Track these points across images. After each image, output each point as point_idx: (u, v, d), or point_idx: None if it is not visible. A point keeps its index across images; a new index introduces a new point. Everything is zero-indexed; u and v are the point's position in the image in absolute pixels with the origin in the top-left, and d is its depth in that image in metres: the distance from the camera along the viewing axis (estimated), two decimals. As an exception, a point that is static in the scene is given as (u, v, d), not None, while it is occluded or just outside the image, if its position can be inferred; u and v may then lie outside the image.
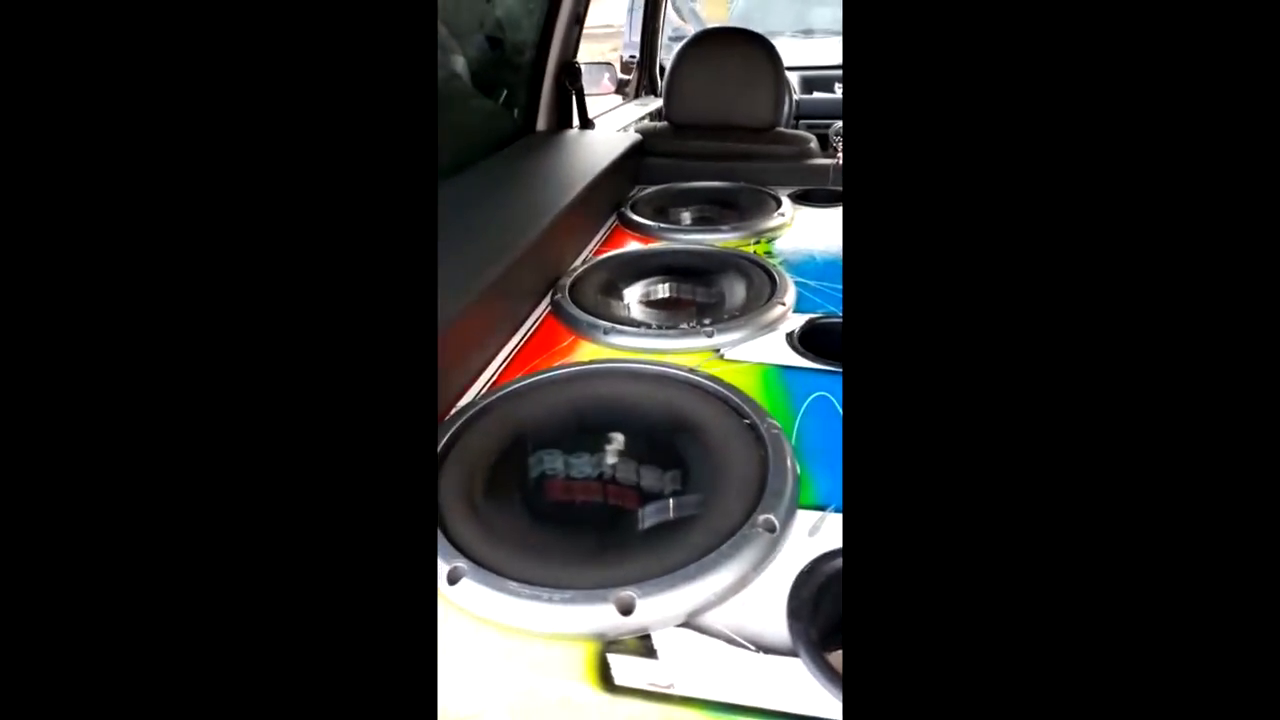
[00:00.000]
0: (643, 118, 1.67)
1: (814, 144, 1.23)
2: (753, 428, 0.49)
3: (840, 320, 0.68)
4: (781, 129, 1.25)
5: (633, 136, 1.21)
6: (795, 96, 2.10)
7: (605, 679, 0.33)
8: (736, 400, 0.52)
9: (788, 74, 2.13)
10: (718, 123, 1.23)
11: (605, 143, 1.16)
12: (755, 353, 0.62)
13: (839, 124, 1.19)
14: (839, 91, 2.13)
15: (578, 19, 1.23)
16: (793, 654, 0.34)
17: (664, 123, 1.32)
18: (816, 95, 2.17)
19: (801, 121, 2.01)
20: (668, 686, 0.33)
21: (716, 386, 0.54)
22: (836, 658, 0.38)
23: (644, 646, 0.35)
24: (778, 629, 0.35)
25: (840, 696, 0.32)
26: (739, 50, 1.22)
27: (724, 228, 0.94)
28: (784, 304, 0.69)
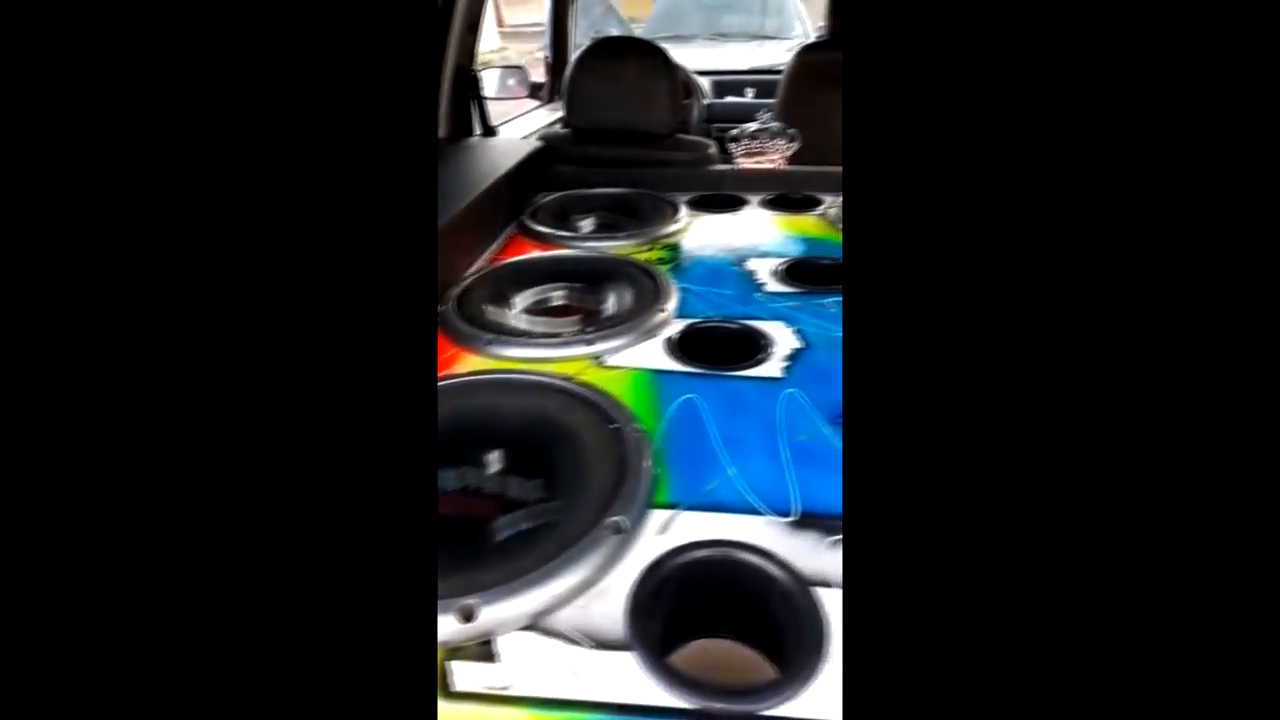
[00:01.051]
0: (553, 123, 1.67)
1: (713, 149, 1.27)
2: (616, 432, 0.51)
3: (717, 323, 0.71)
4: (681, 136, 1.29)
5: (533, 144, 1.21)
6: (707, 100, 2.15)
7: (444, 685, 0.34)
8: (605, 406, 0.54)
9: (701, 79, 2.18)
10: (619, 128, 1.25)
11: (504, 151, 1.16)
12: (634, 359, 0.64)
13: (746, 126, 1.23)
14: (749, 95, 2.20)
15: (471, 26, 1.22)
16: (628, 649, 0.36)
17: (564, 129, 1.33)
18: (729, 99, 2.23)
19: (714, 125, 2.06)
20: (504, 688, 0.34)
21: (587, 393, 0.55)
22: (680, 652, 0.41)
23: (485, 651, 0.36)
24: (618, 626, 0.37)
25: (668, 685, 0.34)
26: (633, 59, 1.24)
27: (620, 235, 0.96)
28: (665, 310, 0.72)
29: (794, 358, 0.64)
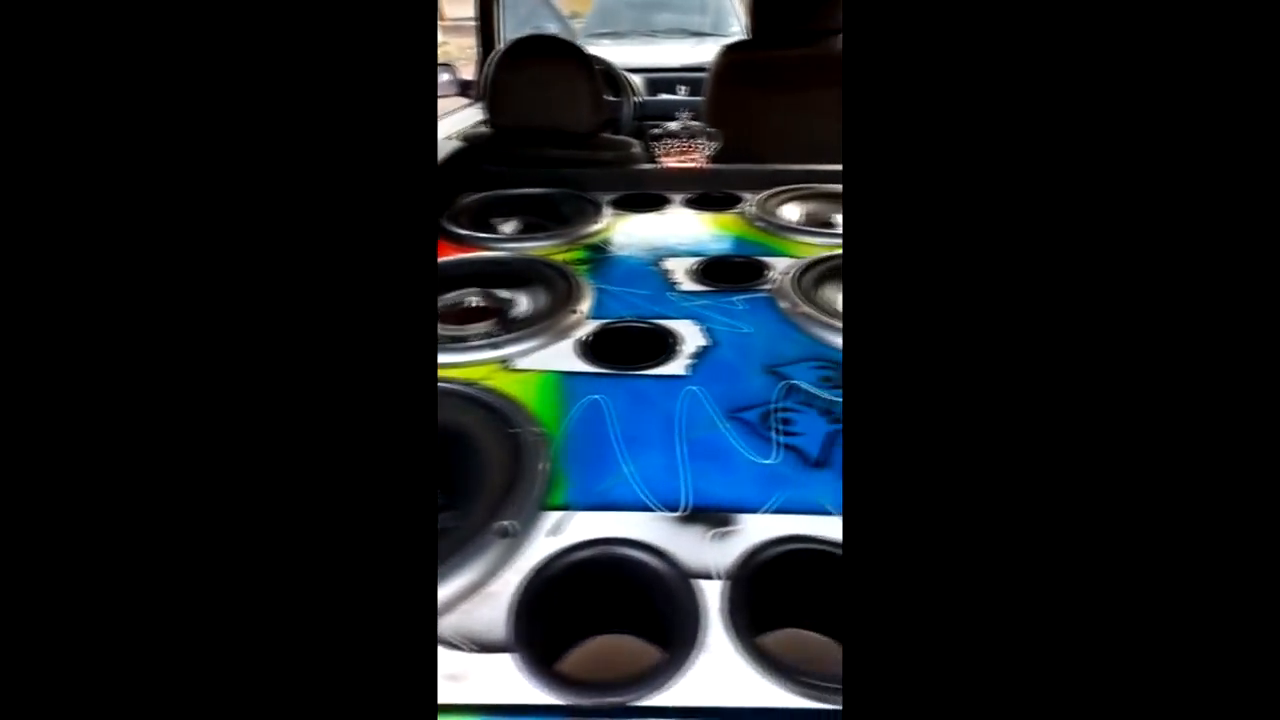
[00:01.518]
0: (479, 123, 1.65)
1: (637, 149, 1.28)
2: (514, 436, 0.51)
3: (629, 323, 0.72)
4: (606, 135, 1.29)
5: (453, 145, 1.20)
6: (640, 98, 2.16)
7: (321, 699, 0.34)
8: (506, 410, 0.54)
9: (634, 76, 2.19)
10: (541, 128, 1.25)
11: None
12: (543, 361, 0.65)
13: (668, 125, 1.24)
14: (682, 93, 2.21)
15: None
16: (510, 650, 0.37)
17: (487, 129, 1.32)
18: (662, 97, 2.24)
19: (647, 122, 2.07)
20: (382, 697, 0.34)
21: (488, 398, 0.56)
22: (575, 650, 0.42)
23: (364, 662, 0.36)
24: (501, 628, 0.38)
25: (545, 685, 0.35)
26: (554, 58, 1.24)
27: (540, 236, 0.96)
28: (578, 311, 0.72)
29: (699, 355, 0.65)
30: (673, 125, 1.18)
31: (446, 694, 0.35)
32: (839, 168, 1.21)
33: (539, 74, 1.23)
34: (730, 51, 1.49)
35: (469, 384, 0.58)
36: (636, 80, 2.21)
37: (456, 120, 1.69)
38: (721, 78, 1.44)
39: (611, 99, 2.03)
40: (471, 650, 0.37)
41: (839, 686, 0.34)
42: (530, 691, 0.35)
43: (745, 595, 0.39)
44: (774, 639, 0.42)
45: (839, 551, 0.42)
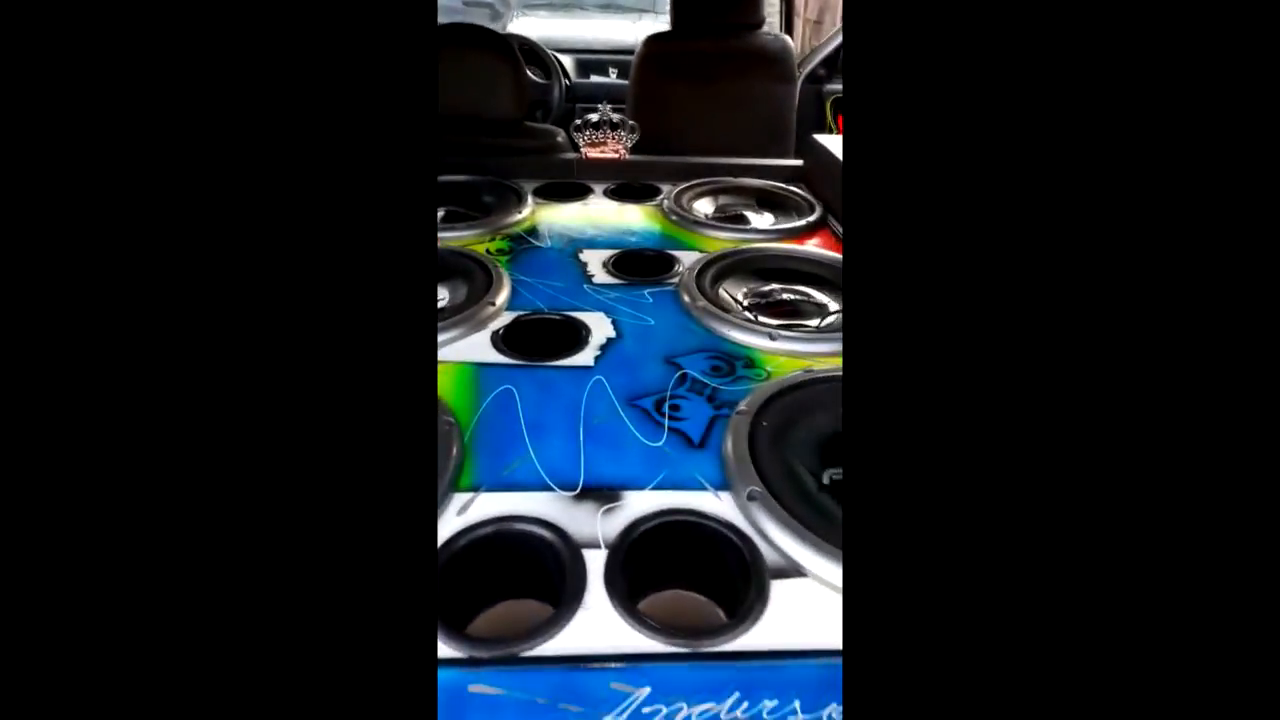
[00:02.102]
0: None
1: (561, 138, 1.31)
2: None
3: (543, 314, 0.77)
4: (530, 124, 1.32)
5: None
6: (569, 81, 2.17)
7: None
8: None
9: (560, 56, 2.19)
10: (466, 115, 1.27)
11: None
12: (459, 353, 0.69)
13: (589, 117, 1.27)
14: (612, 75, 2.24)
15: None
16: (418, 613, 0.42)
17: None
18: (594, 79, 2.26)
19: (578, 105, 2.09)
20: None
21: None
22: (484, 615, 0.47)
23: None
24: (412, 595, 0.44)
25: (456, 645, 0.41)
26: (477, 48, 1.25)
27: (461, 226, 1.00)
28: (494, 304, 0.77)
29: (605, 347, 0.71)
30: (593, 116, 1.22)
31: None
32: (753, 161, 1.28)
33: (462, 62, 1.24)
34: (652, 42, 1.53)
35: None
36: (567, 61, 2.22)
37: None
38: (643, 68, 1.48)
39: (540, 81, 2.03)
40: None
41: (693, 636, 0.42)
42: (442, 649, 0.41)
43: (623, 561, 0.46)
44: (658, 599, 0.49)
45: (710, 523, 0.49)
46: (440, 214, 1.09)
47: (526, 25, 2.70)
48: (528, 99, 1.34)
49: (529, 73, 1.74)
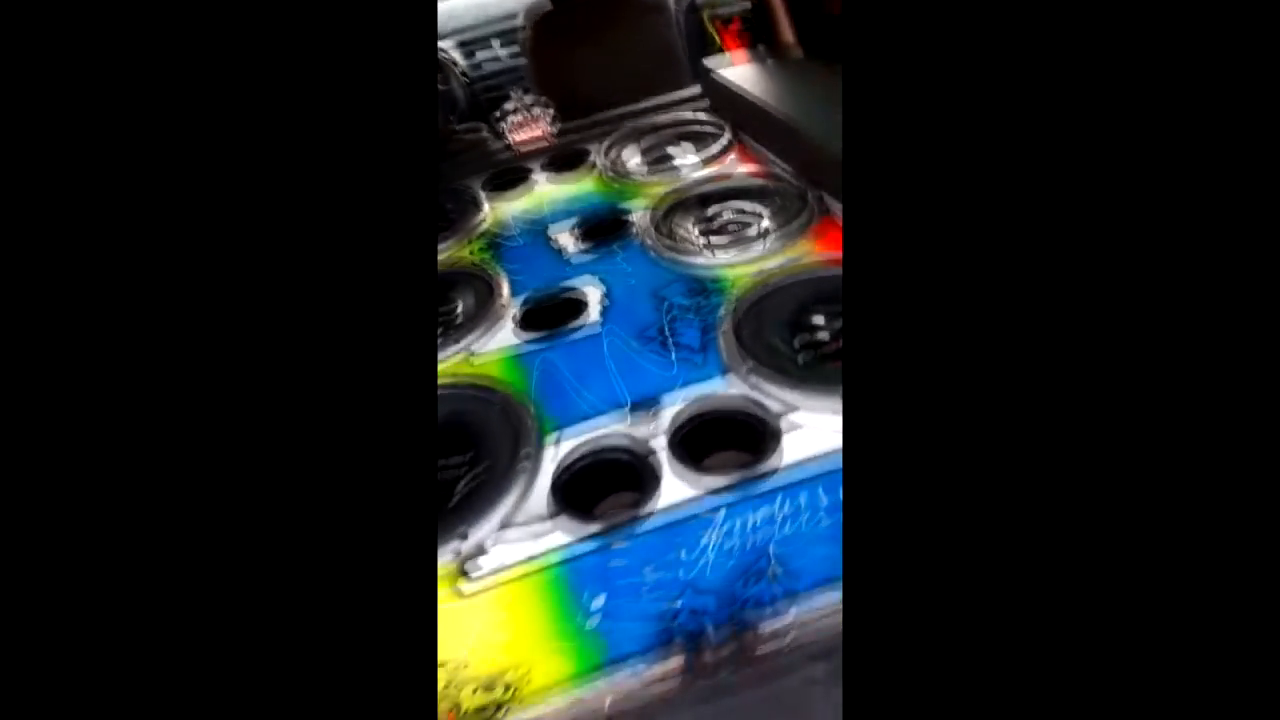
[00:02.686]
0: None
1: (485, 132, 1.43)
2: (500, 401, 0.74)
3: (544, 294, 0.94)
4: (455, 128, 1.44)
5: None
6: (462, 69, 2.22)
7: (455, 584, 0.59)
8: (488, 386, 0.77)
9: (444, 46, 2.22)
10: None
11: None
12: (495, 343, 0.87)
13: (505, 106, 1.38)
14: (497, 48, 2.27)
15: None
16: (554, 515, 0.62)
17: None
18: (479, 58, 2.30)
19: (482, 90, 2.14)
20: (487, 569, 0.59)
21: (473, 389, 0.78)
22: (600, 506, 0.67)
23: (476, 551, 0.61)
24: (544, 505, 0.63)
25: (579, 521, 0.61)
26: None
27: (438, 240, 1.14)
28: (502, 299, 0.94)
29: (604, 306, 0.89)
30: (509, 105, 1.35)
31: (521, 553, 0.60)
32: (658, 100, 1.42)
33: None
34: (536, 22, 1.62)
35: (454, 378, 0.79)
36: (453, 53, 2.25)
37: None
38: (536, 45, 1.58)
39: (440, 87, 2.09)
40: (535, 528, 0.62)
41: (742, 470, 0.62)
42: (573, 529, 0.61)
43: (683, 446, 0.66)
44: (712, 459, 0.69)
45: (732, 402, 0.69)
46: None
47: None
48: (444, 111, 1.44)
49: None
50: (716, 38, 2.00)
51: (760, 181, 1.05)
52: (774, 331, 0.75)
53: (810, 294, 0.79)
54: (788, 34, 1.33)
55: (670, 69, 1.67)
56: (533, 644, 0.62)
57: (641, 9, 1.66)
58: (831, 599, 0.67)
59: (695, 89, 1.43)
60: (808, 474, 0.62)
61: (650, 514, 0.61)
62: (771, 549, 0.65)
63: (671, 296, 0.87)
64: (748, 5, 1.45)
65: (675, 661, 0.64)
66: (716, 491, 0.62)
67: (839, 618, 0.64)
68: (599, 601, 0.62)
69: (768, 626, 0.66)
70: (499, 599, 0.60)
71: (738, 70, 1.29)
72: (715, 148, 1.21)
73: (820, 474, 0.62)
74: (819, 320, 0.76)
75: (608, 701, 0.64)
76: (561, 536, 0.61)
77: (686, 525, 0.61)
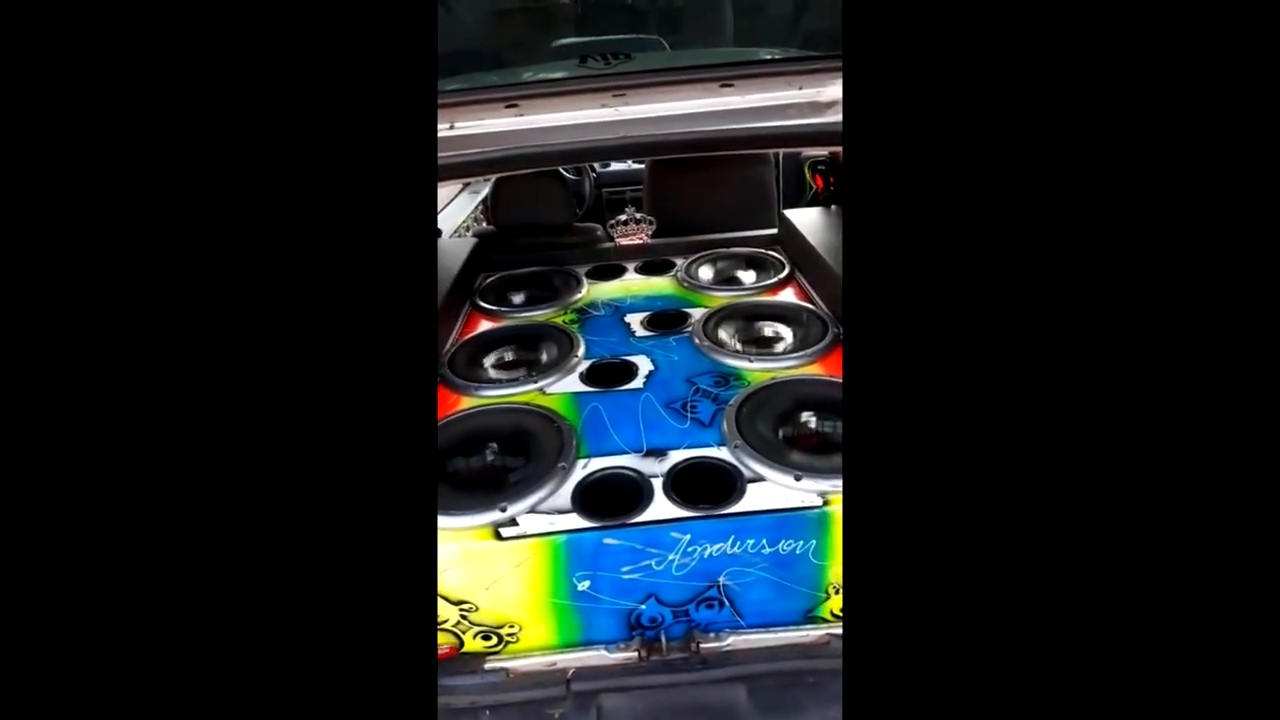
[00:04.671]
0: (470, 215, 2.17)
1: (600, 231, 1.79)
2: (557, 427, 1.01)
3: (608, 359, 1.21)
4: (577, 224, 1.81)
5: (472, 240, 1.70)
6: (596, 173, 2.67)
7: (498, 535, 0.83)
8: (549, 415, 1.04)
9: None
10: (531, 224, 1.76)
11: (453, 249, 1.64)
12: (562, 387, 1.14)
13: (619, 216, 1.73)
14: (629, 162, 2.72)
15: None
16: (573, 511, 0.86)
17: (492, 228, 1.83)
18: (613, 167, 2.75)
19: (604, 190, 2.58)
20: (522, 533, 0.84)
21: (539, 410, 1.05)
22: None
23: (511, 521, 0.85)
24: (567, 504, 0.87)
25: (597, 521, 0.84)
26: (537, 174, 1.75)
27: (542, 305, 1.46)
28: (577, 355, 1.22)
29: (649, 376, 1.15)
30: (623, 216, 1.70)
31: (551, 526, 0.84)
32: (741, 234, 1.73)
33: (525, 185, 1.74)
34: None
35: (526, 403, 1.07)
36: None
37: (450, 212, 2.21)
38: (654, 169, 1.97)
39: (573, 178, 2.54)
40: (557, 513, 0.86)
41: (710, 508, 0.84)
42: (584, 522, 0.84)
43: (674, 484, 0.89)
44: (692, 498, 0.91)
45: (715, 460, 0.92)
46: (523, 298, 1.56)
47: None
48: (573, 206, 1.82)
49: (564, 172, 2.24)
50: (810, 181, 2.33)
51: (796, 307, 1.31)
52: (764, 420, 0.98)
53: (800, 397, 1.02)
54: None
55: (762, 209, 1.99)
56: (530, 609, 0.85)
57: (753, 159, 2.02)
58: (764, 637, 0.86)
59: (773, 230, 1.73)
60: (758, 524, 0.83)
61: (639, 522, 0.84)
62: (723, 580, 0.86)
63: (700, 382, 1.12)
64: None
65: (632, 652, 0.85)
66: (687, 519, 0.84)
67: (770, 651, 0.83)
68: (585, 585, 0.85)
69: (710, 645, 0.86)
70: (517, 552, 0.84)
71: (802, 215, 1.58)
72: (773, 278, 1.49)
73: (767, 527, 0.83)
74: (801, 418, 0.99)
75: (570, 671, 0.85)
76: (572, 522, 0.85)
77: (661, 541, 0.84)
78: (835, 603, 0.90)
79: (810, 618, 0.91)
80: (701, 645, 0.87)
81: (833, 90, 0.85)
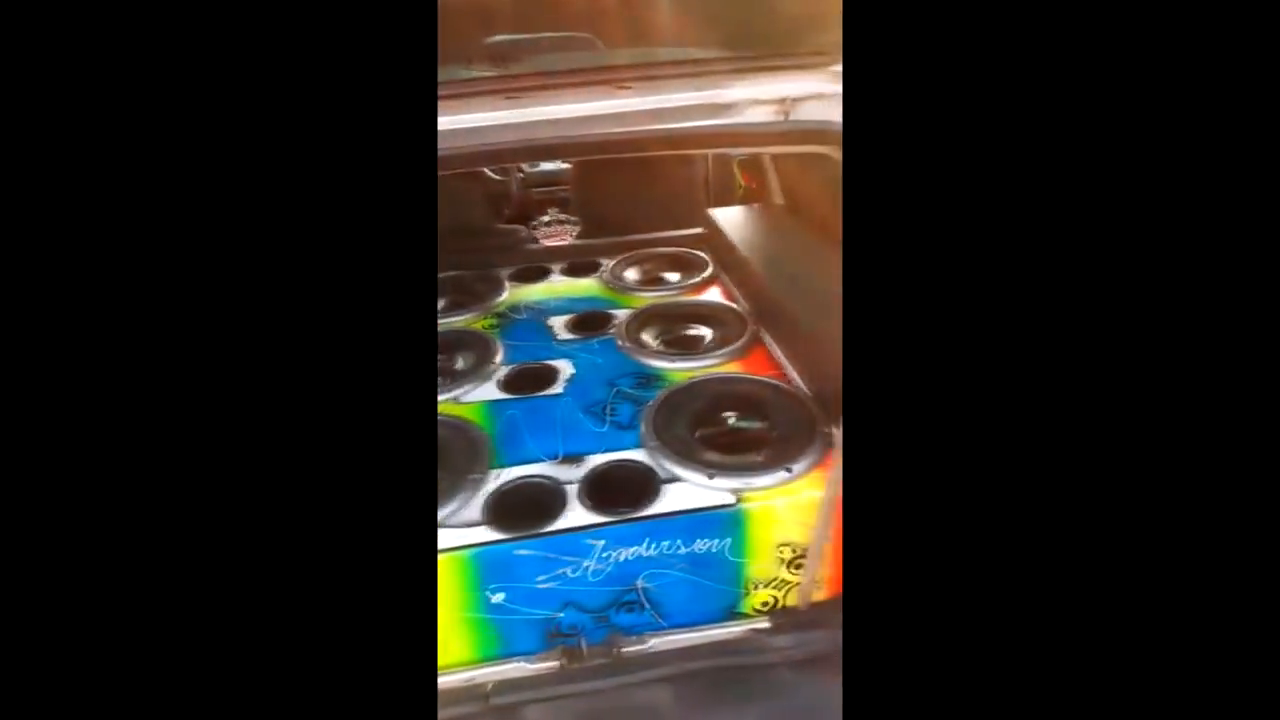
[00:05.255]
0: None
1: (523, 233, 1.76)
2: (469, 437, 0.97)
3: (527, 365, 1.19)
4: (500, 225, 1.77)
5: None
6: (523, 173, 2.63)
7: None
8: (463, 425, 1.01)
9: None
10: (452, 226, 1.71)
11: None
12: (479, 395, 1.11)
13: (542, 218, 1.70)
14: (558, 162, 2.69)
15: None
16: (483, 524, 0.83)
17: None
18: (543, 167, 2.71)
19: (533, 189, 2.54)
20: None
21: (453, 419, 1.02)
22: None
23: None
24: (478, 515, 0.85)
25: (508, 533, 0.82)
26: (459, 175, 1.71)
27: (462, 311, 1.42)
28: (495, 361, 1.19)
29: (569, 381, 1.14)
30: (545, 217, 1.67)
31: (452, 540, 0.81)
32: (667, 234, 1.73)
33: (442, 187, 1.69)
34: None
35: (440, 412, 1.04)
36: (519, 157, 2.68)
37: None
38: (579, 172, 1.95)
39: (499, 179, 2.49)
40: (467, 526, 0.83)
41: (625, 512, 0.83)
42: (496, 535, 0.82)
43: (589, 490, 0.88)
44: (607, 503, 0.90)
45: (631, 462, 0.91)
46: (442, 304, 1.51)
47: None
48: (499, 208, 1.78)
49: (489, 172, 2.19)
50: (738, 176, 2.35)
51: (718, 306, 1.32)
52: (682, 420, 0.98)
53: (717, 396, 1.02)
54: (774, 183, 1.64)
55: (690, 209, 2.00)
56: (443, 625, 0.82)
57: (674, 158, 2.02)
58: (688, 636, 0.86)
59: (698, 230, 1.74)
60: (672, 525, 0.83)
61: (552, 531, 0.82)
62: (641, 583, 0.86)
63: (621, 384, 1.11)
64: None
65: (553, 662, 0.83)
66: (602, 525, 0.83)
67: (693, 650, 0.83)
68: (499, 597, 0.82)
69: (632, 649, 0.85)
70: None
71: (727, 214, 1.59)
72: (697, 278, 1.49)
73: (682, 527, 0.83)
74: (716, 416, 0.99)
75: (490, 685, 0.82)
76: (483, 535, 0.82)
77: (575, 548, 0.82)
78: (757, 598, 0.91)
79: (733, 614, 0.91)
80: (624, 649, 0.86)
81: (735, 92, 0.85)
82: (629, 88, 0.80)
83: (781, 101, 0.82)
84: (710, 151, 2.15)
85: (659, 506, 0.84)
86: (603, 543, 0.82)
